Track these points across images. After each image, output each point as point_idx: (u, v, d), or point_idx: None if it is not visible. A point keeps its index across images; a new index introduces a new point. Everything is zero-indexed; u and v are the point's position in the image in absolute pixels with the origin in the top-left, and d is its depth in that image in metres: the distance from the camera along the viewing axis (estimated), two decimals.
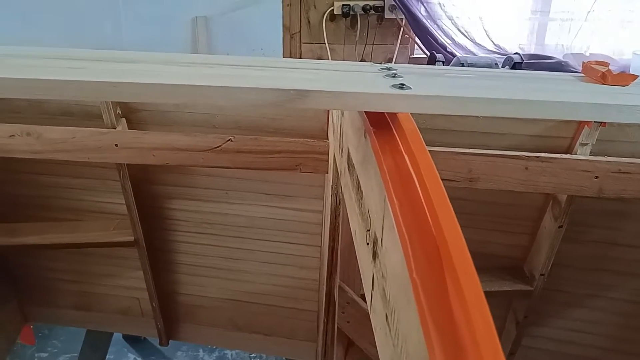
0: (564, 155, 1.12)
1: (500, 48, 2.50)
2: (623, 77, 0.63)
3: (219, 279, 1.56)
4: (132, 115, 1.27)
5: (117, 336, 2.13)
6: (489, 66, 2.12)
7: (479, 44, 2.47)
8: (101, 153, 1.21)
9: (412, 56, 2.56)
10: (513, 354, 1.47)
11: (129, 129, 1.26)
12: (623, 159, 1.11)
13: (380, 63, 0.69)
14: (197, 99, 0.53)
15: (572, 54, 2.48)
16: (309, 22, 2.43)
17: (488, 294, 1.35)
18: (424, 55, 2.48)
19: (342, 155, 0.88)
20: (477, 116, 1.19)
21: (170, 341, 1.75)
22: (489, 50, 2.47)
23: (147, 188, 1.40)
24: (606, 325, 1.44)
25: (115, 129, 1.23)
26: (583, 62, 0.73)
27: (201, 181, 1.39)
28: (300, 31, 2.44)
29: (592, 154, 1.15)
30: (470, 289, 0.34)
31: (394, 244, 0.45)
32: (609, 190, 1.12)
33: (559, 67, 2.34)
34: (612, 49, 2.61)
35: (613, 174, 1.11)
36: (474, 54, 2.43)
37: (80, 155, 1.21)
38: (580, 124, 1.12)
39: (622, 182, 1.11)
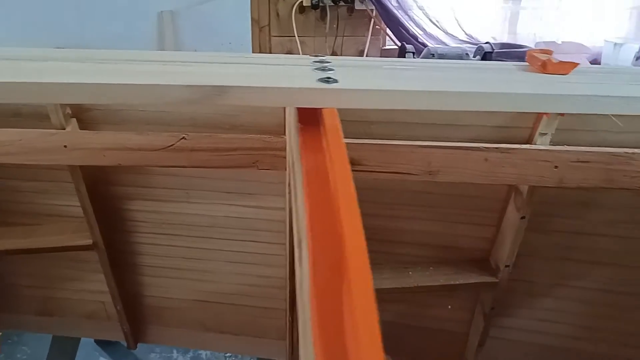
0: (523, 146, 1.10)
1: (473, 38, 2.48)
2: (563, 66, 0.61)
3: (184, 280, 1.53)
4: (83, 115, 1.22)
5: (89, 340, 2.09)
6: (460, 57, 2.10)
7: (450, 34, 2.45)
8: (50, 155, 1.17)
9: (384, 47, 2.54)
10: (481, 345, 1.46)
11: (80, 129, 1.22)
12: (582, 148, 1.09)
13: (317, 56, 0.66)
14: (104, 98, 0.49)
15: (544, 42, 2.48)
16: (277, 14, 2.39)
17: (455, 287, 1.34)
18: (397, 47, 2.46)
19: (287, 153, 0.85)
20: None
21: (143, 343, 1.72)
22: (460, 40, 2.45)
23: (103, 189, 1.36)
24: (573, 314, 1.43)
25: (64, 129, 1.18)
26: (527, 51, 0.70)
27: (160, 181, 1.36)
28: (269, 24, 2.39)
29: (552, 143, 1.13)
30: (362, 303, 0.31)
31: (305, 251, 0.42)
32: (569, 179, 1.11)
33: None
34: (586, 37, 2.61)
35: (572, 163, 1.09)
36: (446, 45, 2.41)
37: (28, 157, 1.17)
38: (539, 114, 1.11)
39: (582, 171, 1.10)
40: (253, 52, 2.45)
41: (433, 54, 2.11)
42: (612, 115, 1.07)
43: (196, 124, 1.21)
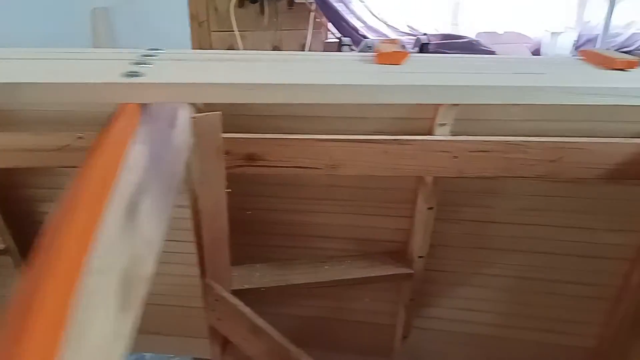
0: (421, 137, 1.10)
1: (414, 29, 2.49)
2: (393, 56, 0.61)
3: None
4: None
5: None
6: None
7: (392, 26, 2.45)
8: None
9: (327, 41, 2.53)
10: (406, 336, 1.47)
11: None
12: (480, 137, 1.10)
13: (152, 49, 0.64)
14: None
15: (485, 32, 2.49)
16: (216, 9, 2.35)
17: (371, 280, 1.34)
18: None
19: None
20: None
21: None
22: (402, 32, 2.46)
23: (11, 192, 1.32)
24: (494, 302, 1.45)
25: None
26: (377, 42, 0.70)
27: (69, 181, 1.32)
28: (208, 19, 2.36)
29: (453, 133, 1.14)
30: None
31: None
32: (469, 169, 1.11)
33: (469, 46, 2.34)
34: (530, 28, 2.64)
35: (471, 153, 1.10)
36: (387, 37, 2.41)
37: None
38: (437, 105, 1.11)
39: (481, 160, 1.10)
40: (193, 49, 2.41)
41: (370, 47, 2.11)
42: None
43: (97, 123, 1.18)
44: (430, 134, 1.13)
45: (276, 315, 1.54)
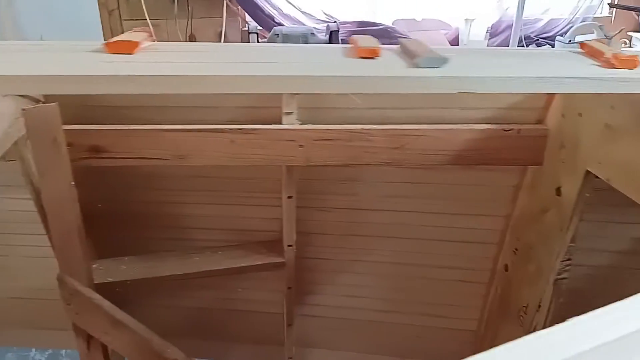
0: (267, 126, 1.10)
1: (332, 17, 2.47)
2: (126, 45, 0.60)
3: None
4: None
5: None
6: (305, 36, 2.09)
7: (308, 13, 2.43)
8: None
9: (246, 29, 2.50)
10: (290, 324, 1.47)
11: None
12: (323, 126, 1.10)
13: None
14: None
15: (403, 19, 2.50)
16: None
17: (244, 269, 1.34)
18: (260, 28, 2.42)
19: None
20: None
21: None
22: (319, 19, 2.44)
23: None
24: (375, 288, 1.47)
25: None
26: None
27: None
28: (118, 7, 2.31)
29: (303, 122, 1.14)
30: None
31: None
32: (316, 158, 1.11)
33: (385, 33, 2.35)
34: (450, 15, 2.65)
35: (316, 141, 1.10)
36: (303, 24, 2.39)
37: None
38: (282, 94, 1.10)
39: (326, 149, 1.11)
40: (105, 38, 2.36)
41: (278, 35, 2.09)
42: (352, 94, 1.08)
43: None
44: (280, 122, 1.13)
45: (162, 307, 1.53)
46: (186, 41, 2.38)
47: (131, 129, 1.09)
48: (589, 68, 0.66)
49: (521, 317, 1.23)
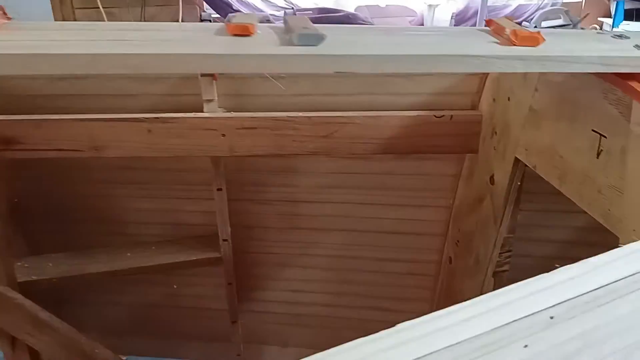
0: (186, 115, 1.04)
1: (292, 4, 2.40)
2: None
3: None
4: None
5: None
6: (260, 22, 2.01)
7: (267, 0, 2.36)
8: None
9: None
10: (235, 321, 1.42)
11: None
12: (247, 114, 1.04)
13: None
14: None
15: (366, 6, 2.43)
16: None
17: (178, 265, 1.28)
18: (219, 15, 2.35)
19: None
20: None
21: None
22: (279, 6, 2.37)
23: None
24: (322, 282, 1.41)
25: None
26: None
27: None
28: None
29: (226, 110, 1.08)
30: None
31: None
32: (240, 147, 1.05)
33: (346, 19, 2.28)
34: (415, 1, 2.59)
35: (239, 130, 1.04)
36: (261, 11, 2.32)
37: None
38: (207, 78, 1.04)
39: (250, 138, 1.05)
40: None
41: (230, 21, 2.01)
42: (271, 76, 1.02)
43: None
44: (202, 111, 1.06)
45: (107, 305, 1.47)
46: None
47: (43, 119, 1.02)
48: (482, 45, 0.61)
49: None
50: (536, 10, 2.48)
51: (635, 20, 2.55)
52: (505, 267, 1.10)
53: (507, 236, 1.05)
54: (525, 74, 0.83)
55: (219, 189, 1.15)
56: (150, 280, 1.40)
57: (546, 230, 1.19)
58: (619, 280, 0.37)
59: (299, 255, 1.37)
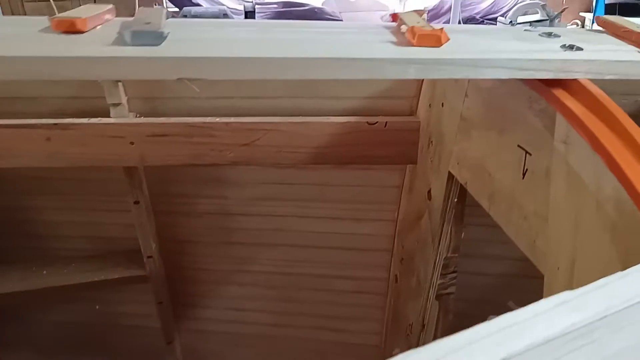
0: (90, 120, 0.92)
1: None
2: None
3: None
4: None
5: None
6: (216, 17, 1.90)
7: None
8: None
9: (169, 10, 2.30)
10: (170, 342, 1.31)
11: None
12: (158, 119, 0.93)
13: None
14: None
15: (335, 0, 2.32)
16: None
17: (100, 284, 1.17)
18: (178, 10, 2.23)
19: None
20: None
21: None
22: (243, 0, 2.25)
23: None
24: (264, 301, 1.31)
25: None
26: None
27: None
28: None
29: (139, 115, 0.96)
30: None
31: None
32: (151, 156, 0.94)
33: (312, 14, 2.16)
34: None
35: (150, 137, 0.93)
36: (222, 5, 2.20)
37: None
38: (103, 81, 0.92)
39: (163, 146, 0.93)
40: None
41: (186, 16, 1.90)
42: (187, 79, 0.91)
43: None
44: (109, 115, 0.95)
45: (41, 323, 1.36)
46: None
47: None
48: (373, 46, 0.50)
49: (408, 336, 1.07)
50: (514, 5, 2.37)
51: (619, 14, 2.44)
52: (451, 290, 0.99)
53: (450, 256, 0.94)
54: None
55: (136, 202, 1.04)
56: (82, 296, 1.30)
57: (501, 246, 1.08)
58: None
59: (237, 272, 1.26)
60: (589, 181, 0.48)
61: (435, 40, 0.50)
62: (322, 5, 2.25)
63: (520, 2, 2.35)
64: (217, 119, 0.91)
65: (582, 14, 2.50)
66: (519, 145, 0.58)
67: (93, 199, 1.14)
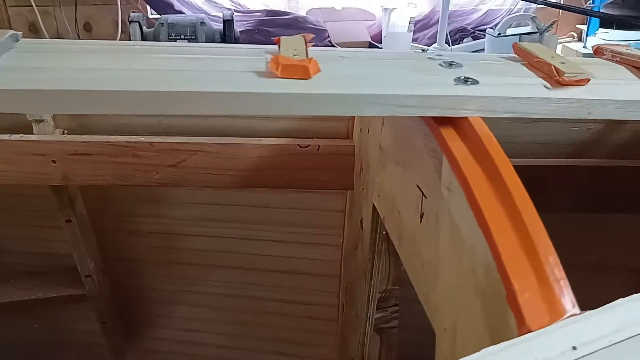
0: (10, 137, 0.88)
1: (241, 6, 2.25)
2: None
3: None
4: None
5: None
6: (193, 25, 1.87)
7: (212, 0, 2.21)
8: None
9: (150, 16, 2.28)
10: None
11: None
12: (79, 137, 0.89)
13: None
14: None
15: (319, 8, 2.26)
16: None
17: (39, 302, 1.13)
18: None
19: None
20: None
21: None
22: (226, 8, 2.21)
23: None
24: (215, 323, 1.26)
25: None
26: None
27: None
28: None
29: (67, 132, 0.92)
30: None
31: None
32: (75, 176, 0.90)
33: (294, 23, 2.12)
34: (376, 4, 2.40)
35: (73, 156, 0.88)
36: (206, 13, 2.16)
37: None
38: None
39: (87, 166, 0.89)
40: None
41: (163, 24, 1.87)
42: None
43: None
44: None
45: None
46: (77, 31, 2.17)
47: None
48: (237, 77, 0.44)
49: None
50: (507, 16, 2.29)
51: (617, 29, 2.35)
52: (393, 323, 0.93)
53: (390, 288, 0.88)
54: None
55: (68, 221, 1.00)
56: (31, 312, 1.26)
57: None
58: None
59: (185, 292, 1.22)
60: (466, 238, 0.42)
61: (303, 72, 0.44)
62: (306, 14, 2.20)
63: (515, 13, 2.28)
64: (142, 138, 0.87)
65: (579, 26, 2.42)
66: (417, 185, 0.53)
67: (31, 215, 1.11)
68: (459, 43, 2.30)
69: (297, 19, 2.09)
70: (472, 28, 2.36)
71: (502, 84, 0.48)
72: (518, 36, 2.03)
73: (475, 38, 2.33)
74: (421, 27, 2.32)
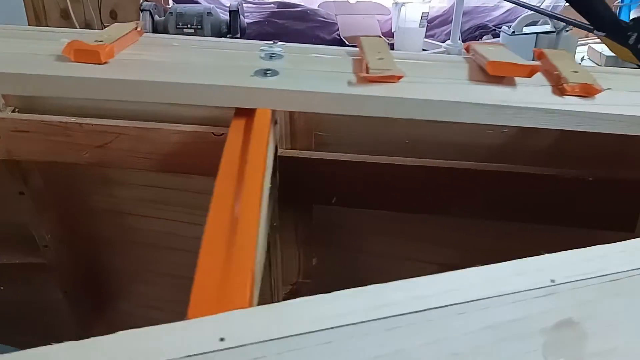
0: None
1: None
2: None
3: None
4: None
5: None
6: (200, 15, 1.91)
7: None
8: None
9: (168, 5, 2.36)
10: (85, 330, 1.34)
11: None
12: (19, 115, 0.95)
13: None
14: None
15: (333, 1, 2.24)
16: None
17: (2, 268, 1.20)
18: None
19: None
20: None
21: None
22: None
23: None
24: (175, 303, 1.28)
25: None
26: None
27: None
28: None
29: (18, 110, 0.99)
30: None
31: None
32: (17, 151, 0.96)
33: (304, 15, 2.12)
34: None
35: (13, 132, 0.94)
36: (220, 3, 2.21)
37: None
38: None
39: (25, 142, 0.95)
40: (27, 12, 2.31)
41: (172, 13, 1.93)
42: None
43: None
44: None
45: None
46: (101, 19, 2.29)
47: None
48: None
49: None
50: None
51: None
52: None
53: (301, 281, 0.88)
54: None
55: (21, 193, 1.07)
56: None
57: None
58: None
59: (143, 271, 1.27)
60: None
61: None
62: (318, 7, 2.20)
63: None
64: (73, 119, 0.92)
65: None
66: None
67: None
68: (478, 40, 2.21)
69: (306, 12, 2.09)
70: (494, 25, 2.25)
71: (302, 78, 0.47)
72: (535, 35, 1.92)
73: (495, 36, 2.22)
74: (439, 23, 2.25)
